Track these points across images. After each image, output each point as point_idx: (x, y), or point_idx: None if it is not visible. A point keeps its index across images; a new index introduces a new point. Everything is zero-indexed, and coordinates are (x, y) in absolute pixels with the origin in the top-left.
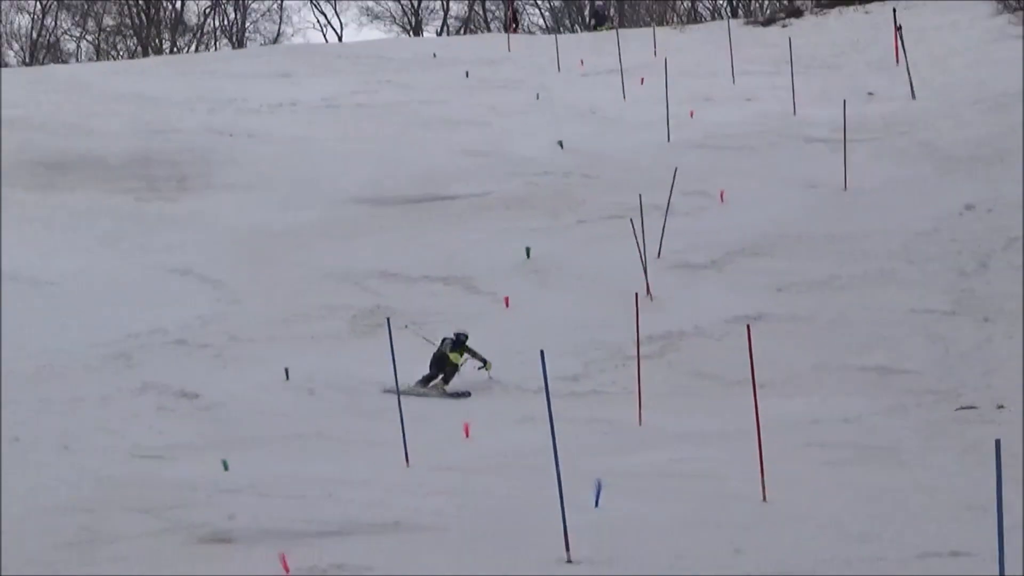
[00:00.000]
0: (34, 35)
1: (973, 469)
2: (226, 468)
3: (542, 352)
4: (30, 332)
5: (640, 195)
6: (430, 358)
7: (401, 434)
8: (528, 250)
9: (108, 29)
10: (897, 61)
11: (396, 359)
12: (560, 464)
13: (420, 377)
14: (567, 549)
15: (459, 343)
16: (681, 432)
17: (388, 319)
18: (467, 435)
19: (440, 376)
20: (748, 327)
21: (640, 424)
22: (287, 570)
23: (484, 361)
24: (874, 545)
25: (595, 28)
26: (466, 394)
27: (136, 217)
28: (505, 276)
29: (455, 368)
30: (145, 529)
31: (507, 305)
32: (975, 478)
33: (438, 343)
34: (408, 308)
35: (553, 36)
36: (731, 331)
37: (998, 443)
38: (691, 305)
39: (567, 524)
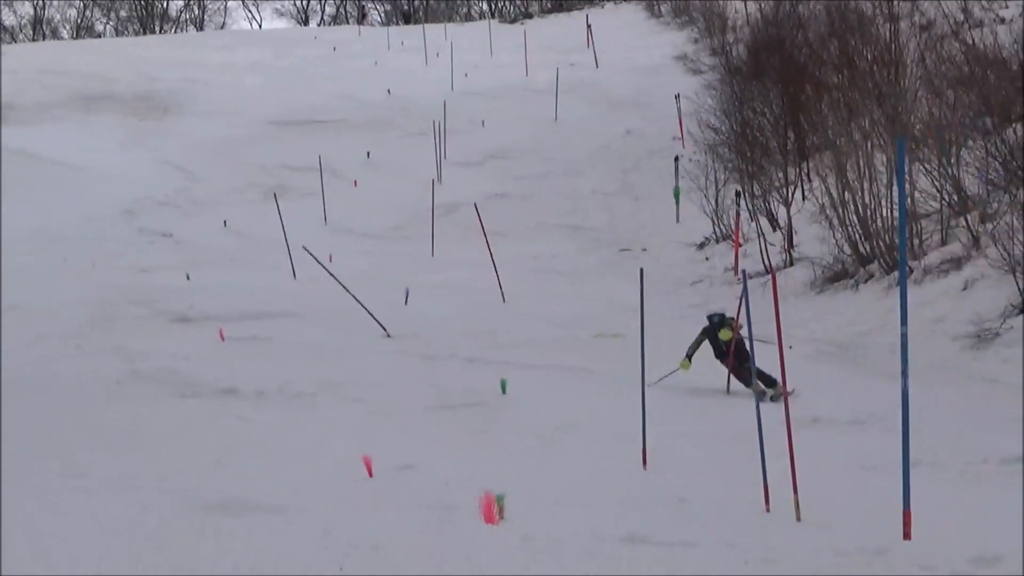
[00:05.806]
0: (79, 20)
1: None
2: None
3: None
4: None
5: (434, 121)
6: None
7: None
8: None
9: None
10: (588, 44)
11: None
12: None
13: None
14: None
15: (723, 323)
16: None
17: (275, 194)
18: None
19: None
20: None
21: None
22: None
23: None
24: None
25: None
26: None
27: (139, 130)
28: (350, 169)
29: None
30: (139, 314)
31: (355, 185)
32: None
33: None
34: (299, 186)
35: (385, 28)
36: (487, 205)
37: None
38: (465, 187)
39: None
